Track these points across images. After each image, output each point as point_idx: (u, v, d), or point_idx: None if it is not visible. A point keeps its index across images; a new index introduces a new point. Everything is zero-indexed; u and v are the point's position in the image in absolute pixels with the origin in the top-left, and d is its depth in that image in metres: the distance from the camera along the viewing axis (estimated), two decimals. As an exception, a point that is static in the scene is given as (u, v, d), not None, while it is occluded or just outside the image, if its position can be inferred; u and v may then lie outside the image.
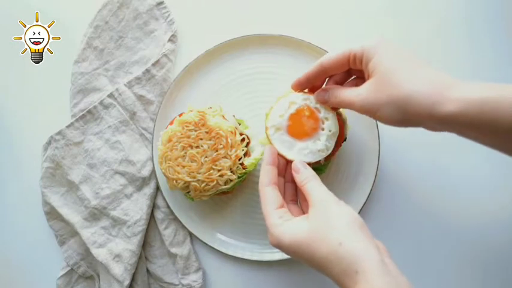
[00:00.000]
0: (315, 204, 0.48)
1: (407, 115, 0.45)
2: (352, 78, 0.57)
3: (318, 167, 0.60)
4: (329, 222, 0.45)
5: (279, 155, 0.56)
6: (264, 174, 0.53)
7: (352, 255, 0.42)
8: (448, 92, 0.43)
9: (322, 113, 0.57)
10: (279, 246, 0.48)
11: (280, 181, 0.56)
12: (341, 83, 0.57)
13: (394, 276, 0.42)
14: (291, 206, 0.55)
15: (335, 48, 0.53)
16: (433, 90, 0.44)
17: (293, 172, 0.54)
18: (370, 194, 0.66)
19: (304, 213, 0.53)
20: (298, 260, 0.48)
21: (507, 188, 0.68)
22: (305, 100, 0.57)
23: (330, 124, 0.57)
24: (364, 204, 0.66)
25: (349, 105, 0.52)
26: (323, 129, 0.57)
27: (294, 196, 0.56)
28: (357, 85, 0.55)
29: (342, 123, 0.60)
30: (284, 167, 0.57)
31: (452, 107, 0.42)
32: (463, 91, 0.43)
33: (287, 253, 0.48)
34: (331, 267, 0.43)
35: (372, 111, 0.48)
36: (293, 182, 0.56)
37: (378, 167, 0.66)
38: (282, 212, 0.50)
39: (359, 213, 0.66)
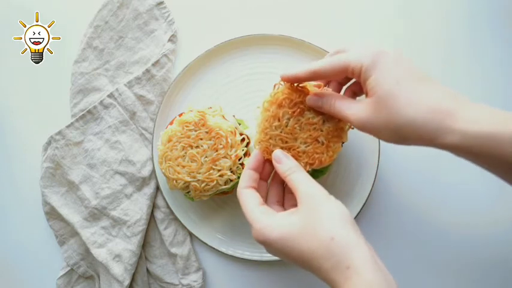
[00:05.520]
0: (304, 197, 0.47)
1: (407, 140, 0.45)
2: (353, 81, 0.55)
3: (320, 169, 0.59)
4: (320, 217, 0.45)
5: (267, 160, 0.55)
6: (243, 178, 0.53)
7: (344, 251, 0.42)
8: (449, 121, 0.42)
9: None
10: (266, 241, 0.46)
11: (263, 185, 0.55)
12: (343, 83, 0.56)
13: (384, 273, 0.42)
14: (275, 207, 0.53)
15: (330, 55, 0.51)
16: (434, 119, 0.42)
17: (274, 163, 0.52)
18: (368, 197, 0.66)
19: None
20: (283, 256, 0.46)
21: (503, 198, 0.68)
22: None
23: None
24: (363, 206, 0.66)
25: (346, 121, 0.50)
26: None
27: (280, 197, 0.55)
28: (355, 89, 0.55)
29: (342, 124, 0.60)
30: (270, 173, 0.56)
31: (454, 138, 0.42)
32: (465, 121, 0.41)
33: (273, 249, 0.47)
34: (320, 263, 0.43)
35: (370, 132, 0.47)
36: (279, 183, 0.55)
37: (377, 169, 0.66)
38: (263, 208, 0.49)
39: (358, 214, 0.66)
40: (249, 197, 0.51)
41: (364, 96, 0.55)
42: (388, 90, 0.44)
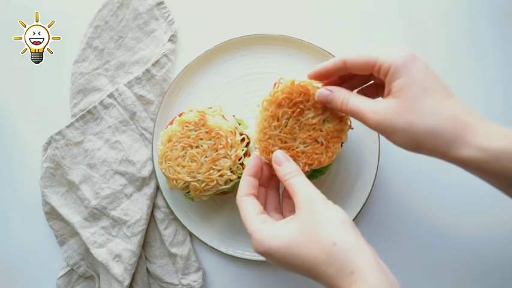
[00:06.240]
0: (302, 203, 0.46)
1: (421, 148, 0.45)
2: (370, 83, 0.54)
3: (319, 169, 0.59)
4: (321, 222, 0.44)
5: (265, 164, 0.54)
6: (243, 185, 0.51)
7: (347, 255, 0.42)
8: (468, 136, 0.43)
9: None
10: (266, 251, 0.45)
11: (262, 192, 0.54)
12: (357, 84, 0.55)
13: (388, 275, 0.42)
14: (274, 214, 0.52)
15: (363, 48, 0.50)
16: (454, 130, 0.43)
17: (274, 165, 0.51)
18: (368, 197, 0.66)
19: (285, 217, 0.51)
20: (285, 266, 0.45)
21: (503, 198, 0.67)
22: None
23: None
24: (363, 207, 0.66)
25: (359, 117, 0.49)
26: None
27: (277, 204, 0.54)
28: (368, 92, 0.54)
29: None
30: (268, 178, 0.55)
31: (470, 153, 0.43)
32: (483, 137, 0.43)
33: (274, 259, 0.45)
34: (323, 269, 0.42)
35: (384, 132, 0.47)
36: (275, 189, 0.55)
37: (377, 170, 0.66)
38: (263, 217, 0.48)
39: (358, 214, 0.66)
40: (249, 206, 0.49)
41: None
42: (416, 95, 0.44)
